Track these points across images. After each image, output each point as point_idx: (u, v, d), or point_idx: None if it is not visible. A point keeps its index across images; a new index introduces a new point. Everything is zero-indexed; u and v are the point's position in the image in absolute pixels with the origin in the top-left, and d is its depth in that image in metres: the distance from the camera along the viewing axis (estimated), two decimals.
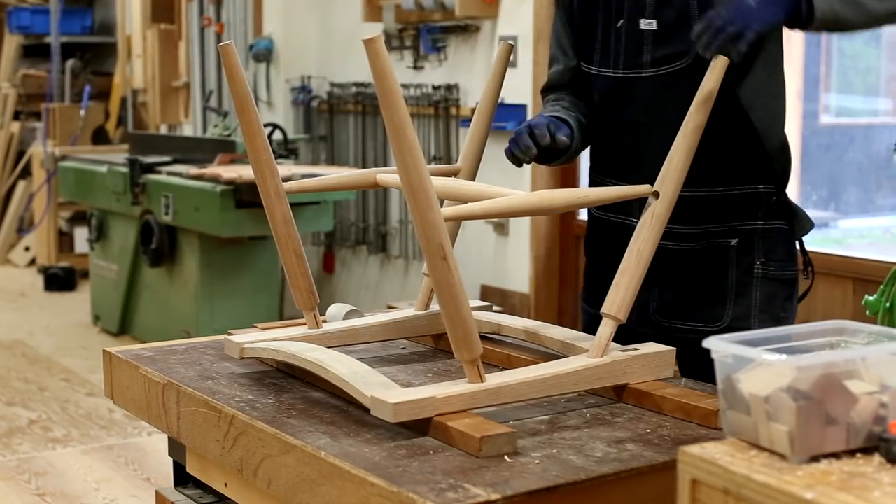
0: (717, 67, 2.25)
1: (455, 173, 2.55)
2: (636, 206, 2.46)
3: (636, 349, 2.22)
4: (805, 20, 2.30)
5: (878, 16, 2.36)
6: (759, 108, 2.51)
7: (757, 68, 2.49)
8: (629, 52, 2.53)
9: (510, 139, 2.43)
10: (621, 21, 2.54)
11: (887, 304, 3.09)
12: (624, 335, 2.29)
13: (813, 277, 2.76)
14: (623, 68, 2.55)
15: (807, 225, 2.64)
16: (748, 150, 2.54)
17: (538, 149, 2.41)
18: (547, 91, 2.76)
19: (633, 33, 2.52)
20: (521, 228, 6.00)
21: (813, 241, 4.86)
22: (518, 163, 2.43)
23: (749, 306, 2.56)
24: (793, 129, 5.78)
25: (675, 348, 2.26)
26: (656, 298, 2.61)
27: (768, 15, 2.27)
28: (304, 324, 2.47)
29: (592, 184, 2.69)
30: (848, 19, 2.33)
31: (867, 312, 3.15)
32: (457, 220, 2.37)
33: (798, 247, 2.66)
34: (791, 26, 2.34)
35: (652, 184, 2.24)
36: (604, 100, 2.61)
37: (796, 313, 2.63)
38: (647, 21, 2.50)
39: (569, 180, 5.81)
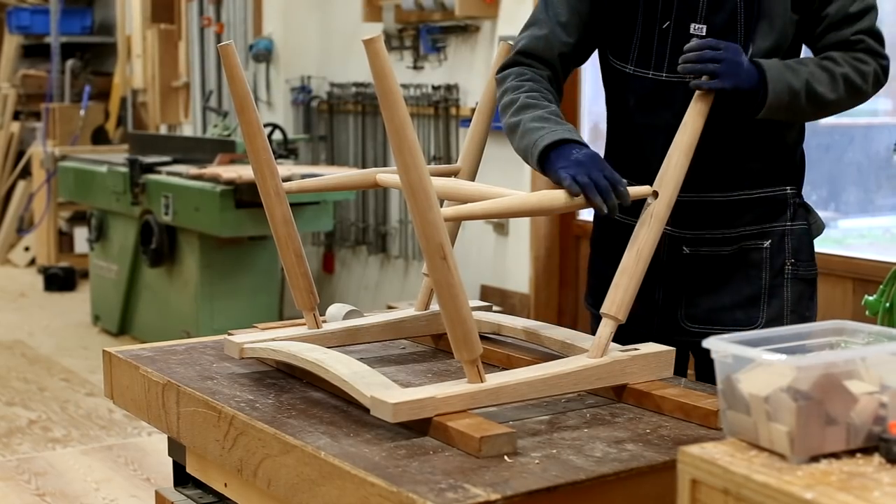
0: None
1: (455, 173, 2.55)
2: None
3: (636, 349, 2.22)
4: (758, 104, 2.39)
5: (828, 106, 2.47)
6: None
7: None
8: (675, 55, 2.45)
9: (593, 189, 2.20)
10: (668, 23, 2.48)
11: (887, 304, 3.10)
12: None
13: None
14: (667, 72, 2.49)
15: (821, 224, 2.66)
16: (777, 152, 2.57)
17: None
18: (522, 56, 2.55)
19: (681, 37, 2.46)
20: (521, 228, 6.00)
21: None
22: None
23: (782, 307, 2.58)
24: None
25: (674, 348, 2.26)
26: (685, 305, 2.60)
27: (741, 81, 2.34)
28: (305, 324, 2.47)
29: None
30: (801, 109, 2.42)
31: (867, 312, 3.15)
32: (456, 221, 2.37)
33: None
34: (746, 104, 2.40)
35: None
36: (640, 102, 2.55)
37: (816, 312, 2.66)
38: (699, 26, 2.46)
39: None
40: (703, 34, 2.46)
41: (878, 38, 2.49)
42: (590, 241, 2.80)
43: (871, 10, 2.48)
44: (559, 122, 2.38)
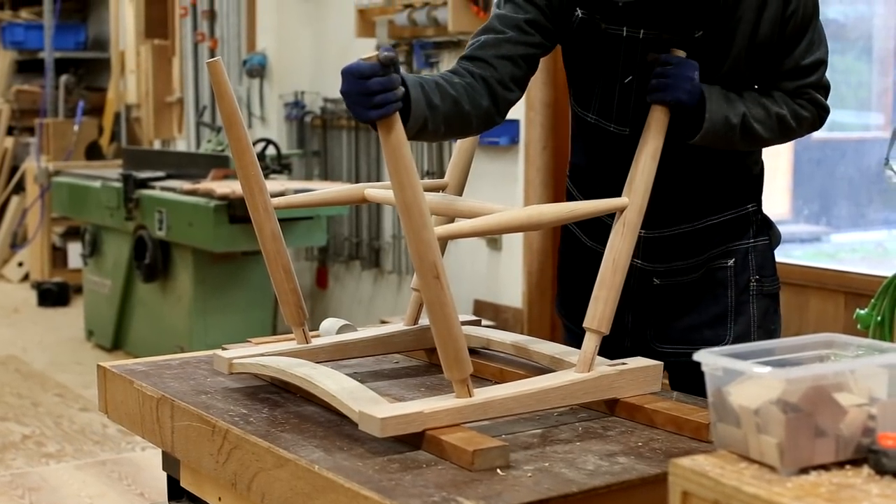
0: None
1: (442, 188, 2.56)
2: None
3: (624, 363, 2.23)
4: (695, 129, 2.36)
5: (759, 143, 2.49)
6: None
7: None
8: (639, 111, 2.38)
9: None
10: (629, 78, 2.42)
11: (878, 318, 3.11)
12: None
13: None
14: (631, 127, 2.44)
15: (779, 235, 2.68)
16: (738, 173, 2.57)
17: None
18: (464, 60, 2.36)
19: (644, 93, 2.38)
20: (515, 243, 6.02)
21: (805, 256, 4.87)
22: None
23: (748, 324, 2.58)
24: (785, 145, 5.79)
25: (662, 363, 2.27)
26: (655, 327, 2.60)
27: (684, 95, 2.31)
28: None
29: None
30: (734, 142, 2.42)
31: (859, 326, 3.16)
32: (447, 240, 2.37)
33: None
34: (683, 124, 2.37)
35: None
36: (602, 152, 2.53)
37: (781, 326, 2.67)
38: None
39: (560, 196, 5.82)
40: None
41: (825, 90, 2.51)
42: (557, 251, 2.80)
43: (823, 64, 2.49)
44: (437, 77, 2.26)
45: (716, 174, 2.53)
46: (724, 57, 2.40)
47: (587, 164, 2.61)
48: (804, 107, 2.47)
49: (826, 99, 2.51)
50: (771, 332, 2.60)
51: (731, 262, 2.57)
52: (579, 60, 2.51)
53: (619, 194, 2.27)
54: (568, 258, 2.73)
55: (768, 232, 2.63)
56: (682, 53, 2.36)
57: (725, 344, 2.51)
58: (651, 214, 2.35)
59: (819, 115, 2.50)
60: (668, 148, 2.33)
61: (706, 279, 2.58)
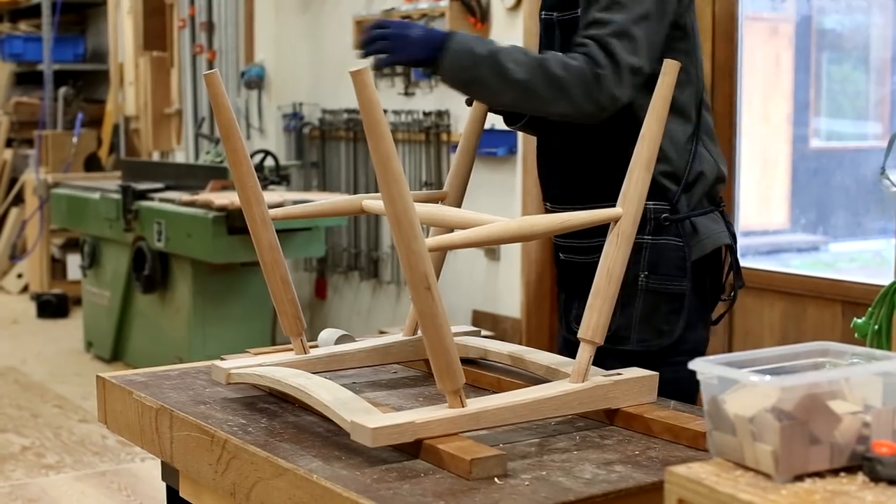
0: (668, 73, 2.22)
1: (441, 199, 2.57)
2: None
3: (619, 374, 2.23)
4: (441, 71, 2.48)
5: (515, 85, 2.45)
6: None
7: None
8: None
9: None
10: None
11: (876, 327, 3.12)
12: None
13: (733, 302, 2.78)
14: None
15: (707, 246, 2.64)
16: (621, 168, 2.56)
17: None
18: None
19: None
20: (513, 253, 6.03)
21: (803, 265, 4.89)
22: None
23: (631, 316, 2.61)
24: (782, 154, 5.81)
25: (657, 373, 2.27)
26: (575, 307, 2.72)
27: (413, 51, 2.46)
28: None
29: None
30: (483, 79, 2.46)
31: (856, 335, 3.17)
32: (439, 251, 2.38)
33: (731, 267, 2.72)
34: (430, 71, 2.51)
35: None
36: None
37: (683, 328, 2.62)
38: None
39: None
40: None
41: (607, 48, 2.45)
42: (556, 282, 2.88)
43: (611, 24, 2.46)
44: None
45: (599, 163, 2.61)
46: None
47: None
48: (574, 57, 2.44)
49: (610, 60, 2.44)
50: (662, 332, 2.61)
51: None
52: None
53: (547, 190, 2.55)
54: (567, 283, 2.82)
55: (685, 238, 2.60)
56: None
57: (608, 332, 2.32)
58: (553, 188, 2.69)
59: (593, 72, 2.43)
60: (560, 129, 2.60)
61: (592, 267, 2.61)
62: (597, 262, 2.52)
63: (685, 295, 2.62)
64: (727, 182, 2.97)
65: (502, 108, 2.64)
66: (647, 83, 2.41)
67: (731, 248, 2.73)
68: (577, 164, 2.67)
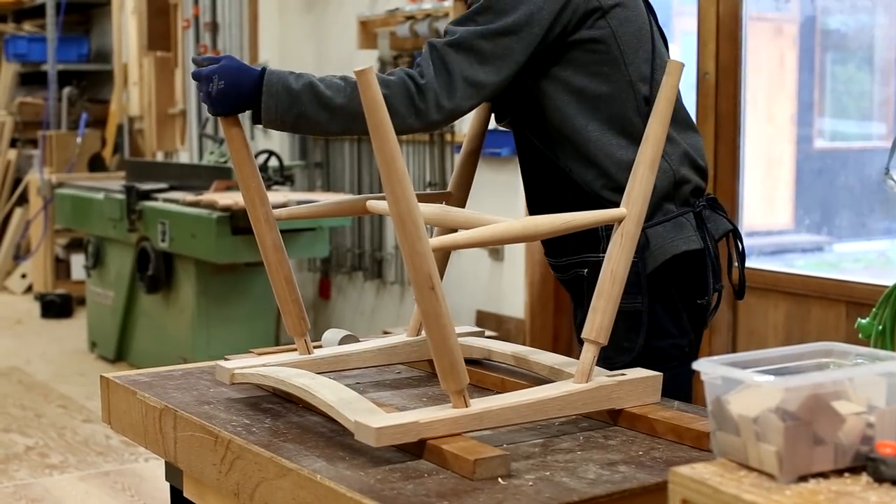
0: (672, 74, 2.20)
1: (445, 199, 2.57)
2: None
3: (623, 374, 2.23)
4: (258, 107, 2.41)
5: (339, 111, 2.38)
6: (572, 160, 2.60)
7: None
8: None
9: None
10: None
11: (880, 327, 3.11)
12: None
13: (715, 309, 2.73)
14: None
15: (658, 255, 2.58)
16: (574, 190, 2.59)
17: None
18: None
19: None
20: (517, 254, 6.02)
21: (807, 265, 4.88)
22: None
23: None
24: (787, 154, 5.80)
25: (661, 374, 2.27)
26: (579, 315, 2.71)
27: (224, 108, 2.42)
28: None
29: None
30: (307, 112, 2.38)
31: (860, 335, 3.16)
32: (442, 251, 2.38)
33: (710, 276, 2.65)
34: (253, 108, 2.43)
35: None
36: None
37: (643, 343, 2.57)
38: None
39: None
40: None
41: (442, 59, 2.42)
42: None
43: (454, 34, 2.43)
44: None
45: (549, 189, 2.65)
46: None
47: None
48: (393, 73, 2.40)
49: (434, 73, 2.41)
50: (622, 348, 2.55)
51: (585, 271, 2.63)
52: None
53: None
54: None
55: (639, 252, 2.48)
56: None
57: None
58: (532, 204, 2.73)
59: (415, 82, 2.40)
60: (523, 148, 2.69)
61: (573, 284, 2.70)
62: (577, 277, 2.64)
63: (641, 312, 2.56)
64: (731, 181, 2.96)
65: (334, 136, 2.64)
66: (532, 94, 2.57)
67: (736, 237, 2.76)
68: (538, 184, 2.73)
